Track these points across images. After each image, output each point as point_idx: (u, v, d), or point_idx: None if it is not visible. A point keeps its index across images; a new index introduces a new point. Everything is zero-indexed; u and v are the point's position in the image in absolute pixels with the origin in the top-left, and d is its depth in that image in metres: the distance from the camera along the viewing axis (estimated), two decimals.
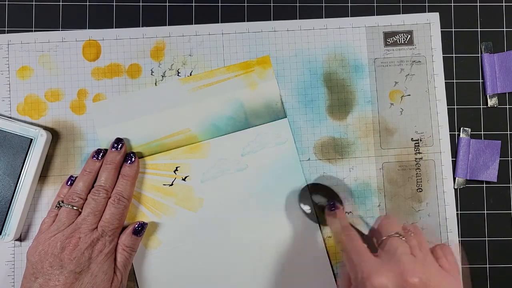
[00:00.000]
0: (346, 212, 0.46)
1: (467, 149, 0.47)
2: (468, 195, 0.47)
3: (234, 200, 0.45)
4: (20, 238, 0.45)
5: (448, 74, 0.47)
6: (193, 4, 0.47)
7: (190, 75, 0.46)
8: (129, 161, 0.43)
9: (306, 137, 0.46)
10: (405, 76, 0.47)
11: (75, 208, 0.41)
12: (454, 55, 0.47)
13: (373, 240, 0.42)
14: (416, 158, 0.46)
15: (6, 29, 0.46)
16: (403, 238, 0.38)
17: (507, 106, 0.47)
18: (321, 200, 0.45)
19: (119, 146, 0.43)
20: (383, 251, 0.38)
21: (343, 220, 0.43)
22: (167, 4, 0.47)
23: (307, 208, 0.45)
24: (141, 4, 0.47)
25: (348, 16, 0.47)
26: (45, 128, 0.44)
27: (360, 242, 0.39)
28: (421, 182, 0.46)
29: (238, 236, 0.45)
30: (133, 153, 0.44)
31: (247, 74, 0.46)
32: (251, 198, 0.45)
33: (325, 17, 0.47)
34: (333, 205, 0.44)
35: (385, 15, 0.47)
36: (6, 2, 0.46)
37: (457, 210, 0.46)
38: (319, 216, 0.45)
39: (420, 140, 0.46)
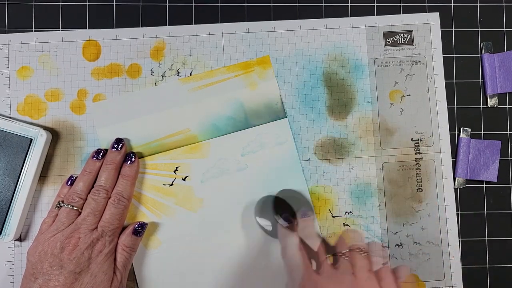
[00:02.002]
0: (346, 212, 0.46)
1: (467, 149, 0.47)
2: (468, 195, 0.47)
3: (234, 200, 0.45)
4: (20, 238, 0.45)
5: (448, 74, 0.47)
6: (193, 4, 0.47)
7: (190, 75, 0.46)
8: (129, 161, 0.43)
9: (306, 137, 0.46)
10: (405, 76, 0.47)
11: (75, 208, 0.41)
12: (454, 55, 0.47)
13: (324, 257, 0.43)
14: (416, 158, 0.46)
15: (6, 29, 0.46)
16: (346, 258, 0.40)
17: (507, 106, 0.47)
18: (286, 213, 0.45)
19: (119, 146, 0.43)
20: (326, 268, 0.40)
21: (311, 228, 0.44)
22: (167, 4, 0.47)
23: (266, 224, 0.45)
24: (141, 4, 0.47)
25: (348, 16, 0.47)
26: (45, 128, 0.44)
27: (304, 253, 0.41)
28: (421, 182, 0.46)
29: (238, 236, 0.45)
30: (133, 153, 0.44)
31: (247, 74, 0.46)
32: (251, 198, 0.45)
33: (325, 17, 0.47)
34: (306, 212, 0.44)
35: (385, 15, 0.47)
36: (6, 2, 0.46)
37: (457, 210, 0.46)
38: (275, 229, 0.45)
39: (420, 140, 0.46)
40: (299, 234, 0.42)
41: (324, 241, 0.44)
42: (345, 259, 0.40)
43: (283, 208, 0.44)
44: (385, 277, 0.39)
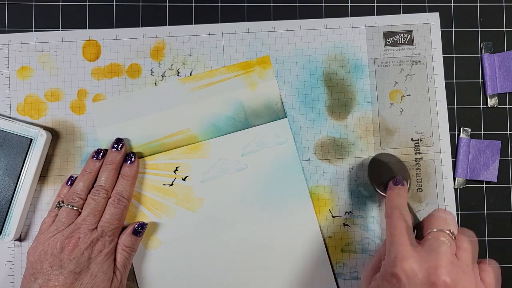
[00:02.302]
0: (346, 212, 0.46)
1: (467, 149, 0.47)
2: (468, 195, 0.47)
3: (234, 200, 0.45)
4: (20, 238, 0.45)
5: (448, 74, 0.47)
6: (193, 4, 0.47)
7: (190, 75, 0.46)
8: (129, 161, 0.43)
9: (306, 137, 0.46)
10: (405, 76, 0.47)
11: (75, 208, 0.41)
12: (454, 55, 0.47)
13: (422, 231, 0.39)
14: (416, 158, 0.46)
15: (6, 29, 0.46)
16: (443, 239, 0.36)
17: (507, 106, 0.47)
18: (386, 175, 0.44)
19: (119, 146, 0.43)
20: (425, 243, 0.36)
21: (402, 199, 0.40)
22: (167, 4, 0.47)
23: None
24: (141, 4, 0.47)
25: (348, 16, 0.47)
26: (45, 128, 0.44)
27: (407, 225, 0.37)
28: (421, 182, 0.46)
29: (238, 236, 0.45)
30: (133, 153, 0.44)
31: (247, 74, 0.46)
32: (251, 198, 0.45)
33: (325, 17, 0.47)
34: (398, 180, 0.42)
35: (385, 15, 0.47)
36: (6, 2, 0.46)
37: (457, 210, 0.46)
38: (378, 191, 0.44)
39: (420, 140, 0.46)
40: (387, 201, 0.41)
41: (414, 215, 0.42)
42: (449, 239, 0.36)
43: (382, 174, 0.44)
44: (487, 270, 0.36)
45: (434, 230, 0.36)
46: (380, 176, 0.44)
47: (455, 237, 0.36)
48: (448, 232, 0.36)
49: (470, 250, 0.36)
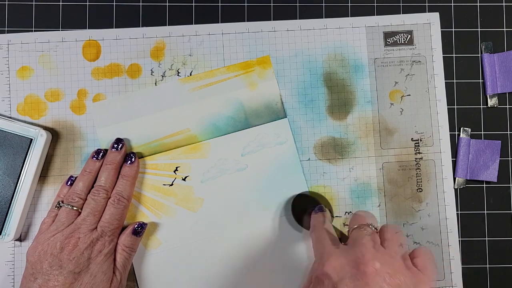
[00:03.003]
0: (346, 212, 0.46)
1: (467, 149, 0.47)
2: (468, 195, 0.47)
3: (234, 200, 0.45)
4: (20, 238, 0.45)
5: (448, 74, 0.47)
6: (193, 4, 0.47)
7: (190, 75, 0.46)
8: (129, 161, 0.43)
9: (306, 137, 0.46)
10: (405, 76, 0.47)
11: (75, 208, 0.41)
12: (454, 55, 0.47)
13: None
14: (416, 158, 0.46)
15: (6, 29, 0.46)
16: (364, 231, 0.37)
17: (507, 106, 0.47)
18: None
19: (119, 147, 0.43)
20: (349, 240, 0.37)
21: (325, 218, 0.42)
22: (167, 4, 0.47)
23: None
24: (141, 4, 0.47)
25: (348, 16, 0.47)
26: (45, 128, 0.44)
27: (330, 232, 0.39)
28: (421, 182, 0.46)
29: (238, 236, 0.45)
30: (133, 153, 0.44)
31: (247, 74, 0.46)
32: (251, 198, 0.45)
33: (325, 17, 0.47)
34: (320, 208, 0.44)
35: (385, 15, 0.47)
36: (6, 2, 0.46)
37: (457, 210, 0.46)
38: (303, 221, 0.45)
39: (420, 140, 0.46)
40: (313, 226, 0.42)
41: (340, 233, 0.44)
42: (365, 232, 0.36)
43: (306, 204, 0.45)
44: (418, 256, 0.36)
45: (355, 226, 0.38)
46: (303, 213, 0.45)
47: (376, 230, 0.37)
48: (367, 224, 0.37)
49: (395, 240, 0.37)
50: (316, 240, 0.40)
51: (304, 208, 0.45)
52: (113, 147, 0.43)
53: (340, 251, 0.36)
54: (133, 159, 0.44)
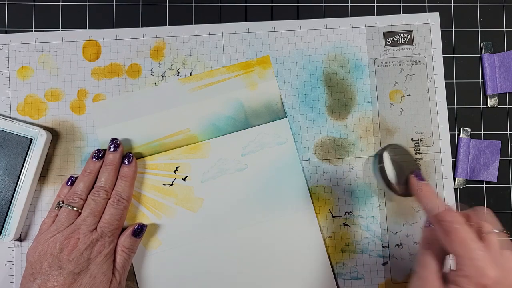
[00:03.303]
0: (346, 212, 0.46)
1: (467, 149, 0.47)
2: (468, 195, 0.47)
3: (234, 200, 0.45)
4: (20, 238, 0.45)
5: (448, 74, 0.47)
6: (193, 4, 0.47)
7: (190, 75, 0.46)
8: (127, 162, 0.43)
9: (306, 137, 0.46)
10: (405, 76, 0.47)
11: (75, 208, 0.41)
12: (454, 55, 0.47)
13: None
14: (416, 158, 0.46)
15: (6, 29, 0.46)
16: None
17: (507, 106, 0.47)
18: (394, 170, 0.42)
19: (116, 146, 0.43)
20: (487, 247, 0.33)
21: (436, 201, 0.38)
22: (167, 4, 0.47)
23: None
24: (141, 4, 0.47)
25: (348, 16, 0.47)
26: (45, 128, 0.44)
27: (465, 233, 0.34)
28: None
29: (238, 236, 0.45)
30: (130, 153, 0.44)
31: (247, 74, 0.46)
32: (251, 198, 0.45)
33: (325, 17, 0.47)
34: (420, 176, 0.40)
35: (385, 15, 0.47)
36: (6, 2, 0.46)
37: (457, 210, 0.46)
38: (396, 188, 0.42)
39: (420, 140, 0.46)
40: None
41: None
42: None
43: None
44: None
45: (485, 233, 0.35)
46: (392, 173, 0.43)
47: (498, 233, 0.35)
48: (496, 231, 0.35)
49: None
50: (459, 245, 0.34)
51: (402, 168, 0.41)
52: (109, 148, 0.43)
53: (493, 260, 0.33)
54: (130, 160, 0.44)
